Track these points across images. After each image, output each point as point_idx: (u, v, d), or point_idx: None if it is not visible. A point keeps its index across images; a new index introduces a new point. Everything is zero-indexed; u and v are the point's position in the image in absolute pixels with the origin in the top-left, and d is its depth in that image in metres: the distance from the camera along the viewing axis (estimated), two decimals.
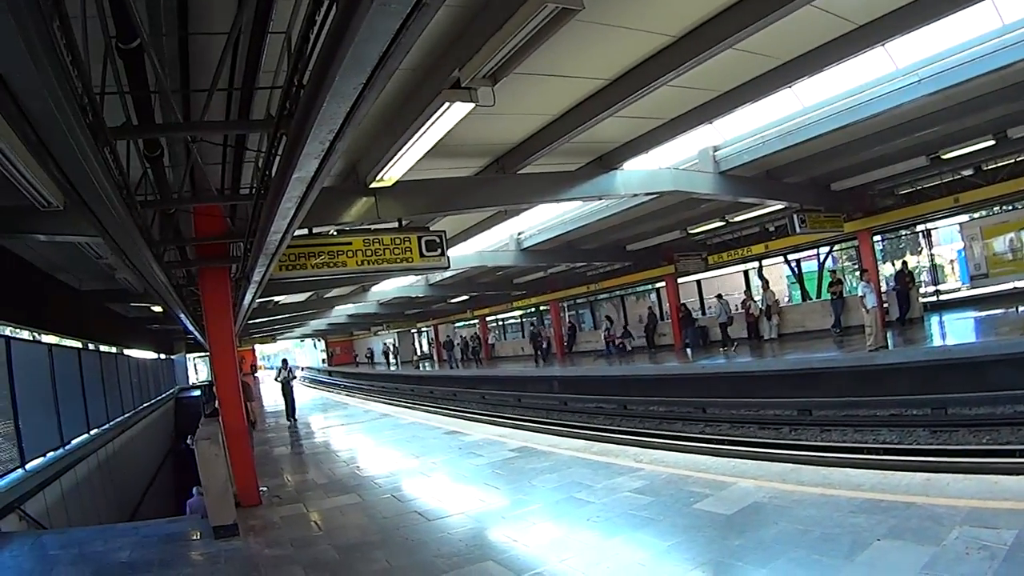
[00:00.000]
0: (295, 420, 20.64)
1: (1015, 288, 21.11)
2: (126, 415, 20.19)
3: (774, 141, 13.89)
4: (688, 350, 26.64)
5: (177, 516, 10.47)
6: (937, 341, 17.18)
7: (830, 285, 22.94)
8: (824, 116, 12.91)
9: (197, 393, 34.10)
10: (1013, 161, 18.28)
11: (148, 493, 19.35)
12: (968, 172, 19.15)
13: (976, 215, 23.55)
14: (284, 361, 22.67)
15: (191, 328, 20.51)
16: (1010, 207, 21.35)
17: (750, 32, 7.33)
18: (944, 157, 16.91)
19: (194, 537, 8.13)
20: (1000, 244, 21.08)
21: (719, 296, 26.89)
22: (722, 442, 13.02)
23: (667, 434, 15.01)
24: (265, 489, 10.08)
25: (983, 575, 4.26)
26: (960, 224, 24.48)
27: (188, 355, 49.90)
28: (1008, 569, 4.27)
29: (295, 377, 23.47)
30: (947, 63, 11.14)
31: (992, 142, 15.92)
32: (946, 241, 34.35)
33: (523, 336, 45.42)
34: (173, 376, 41.35)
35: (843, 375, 15.65)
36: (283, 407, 21.51)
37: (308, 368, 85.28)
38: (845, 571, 4.74)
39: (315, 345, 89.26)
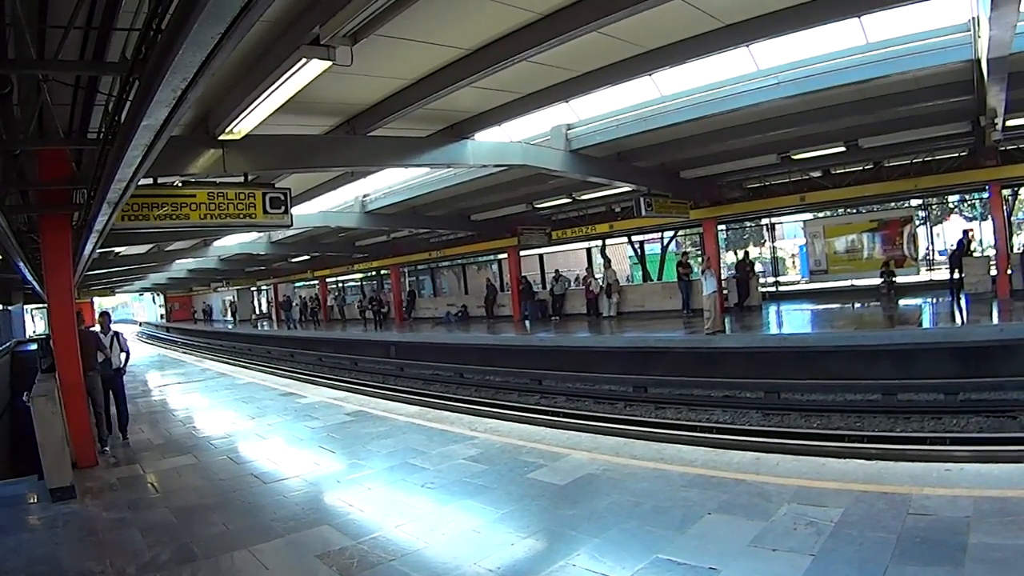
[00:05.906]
0: (125, 438, 10.69)
1: (852, 285, 22.74)
2: None
3: (628, 125, 14.21)
4: (527, 322, 27.19)
5: (16, 478, 9.86)
6: (774, 329, 18.15)
7: (678, 266, 23.89)
8: (681, 106, 13.31)
9: (35, 347, 32.07)
10: (861, 168, 19.64)
11: None
12: (816, 174, 20.39)
13: (820, 215, 25.11)
14: (105, 315, 11.76)
15: (30, 278, 19.31)
16: (853, 210, 22.84)
17: (617, 18, 7.49)
18: (795, 157, 17.85)
19: (31, 500, 7.75)
20: (841, 244, 22.63)
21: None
22: (557, 414, 13.25)
23: (503, 404, 15.22)
24: (107, 449, 9.86)
25: (810, 549, 4.50)
26: (804, 221, 26.17)
27: (26, 306, 46.95)
28: (834, 544, 4.54)
29: (126, 351, 11.13)
30: (808, 70, 11.77)
31: (843, 148, 16.90)
32: (789, 236, 36.59)
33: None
34: (11, 329, 38.76)
35: (680, 355, 16.12)
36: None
37: (146, 323, 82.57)
38: (677, 542, 4.91)
39: (154, 300, 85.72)
